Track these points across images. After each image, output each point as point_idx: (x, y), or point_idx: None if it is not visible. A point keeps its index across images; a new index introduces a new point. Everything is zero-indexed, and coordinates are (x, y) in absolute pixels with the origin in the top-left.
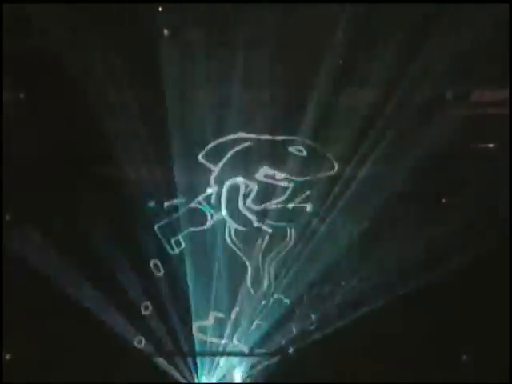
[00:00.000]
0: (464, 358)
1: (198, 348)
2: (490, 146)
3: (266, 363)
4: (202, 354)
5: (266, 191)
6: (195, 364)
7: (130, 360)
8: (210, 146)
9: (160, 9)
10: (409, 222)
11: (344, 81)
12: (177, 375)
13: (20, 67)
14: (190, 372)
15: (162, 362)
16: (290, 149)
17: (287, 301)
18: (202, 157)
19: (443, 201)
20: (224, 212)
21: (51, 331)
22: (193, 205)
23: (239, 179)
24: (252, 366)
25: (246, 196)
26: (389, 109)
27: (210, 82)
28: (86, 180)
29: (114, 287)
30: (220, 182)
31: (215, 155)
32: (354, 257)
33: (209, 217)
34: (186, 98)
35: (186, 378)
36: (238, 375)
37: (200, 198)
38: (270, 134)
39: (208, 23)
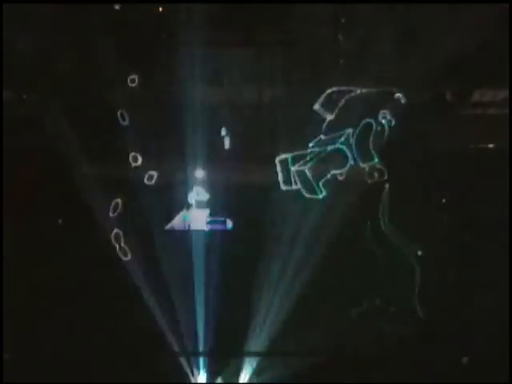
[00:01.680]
0: (465, 359)
1: (205, 348)
2: (490, 146)
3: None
4: (208, 354)
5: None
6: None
7: (130, 359)
8: (323, 95)
9: (160, 9)
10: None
11: (343, 80)
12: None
13: (20, 67)
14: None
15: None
16: (396, 96)
17: None
18: (319, 105)
19: (443, 201)
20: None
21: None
22: (330, 147)
23: (369, 120)
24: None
25: (375, 135)
26: (389, 108)
27: None
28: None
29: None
30: (343, 127)
31: (328, 104)
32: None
33: (350, 159)
34: None
35: (188, 377)
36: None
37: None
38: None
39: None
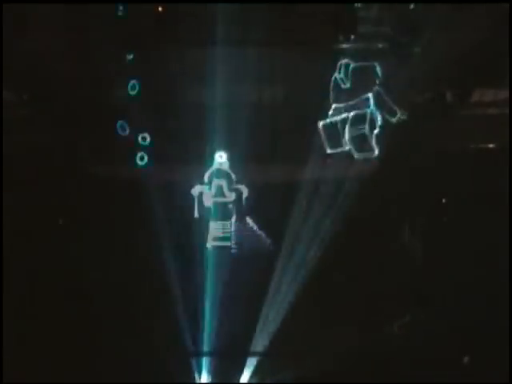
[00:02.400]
0: (466, 359)
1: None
2: (490, 146)
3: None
4: (205, 354)
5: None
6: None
7: (132, 360)
8: (340, 64)
9: (160, 9)
10: (409, 221)
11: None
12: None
13: (20, 67)
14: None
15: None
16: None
17: None
18: (342, 74)
19: (443, 201)
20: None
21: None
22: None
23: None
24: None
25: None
26: (390, 108)
27: None
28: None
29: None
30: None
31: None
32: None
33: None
34: None
35: (186, 377)
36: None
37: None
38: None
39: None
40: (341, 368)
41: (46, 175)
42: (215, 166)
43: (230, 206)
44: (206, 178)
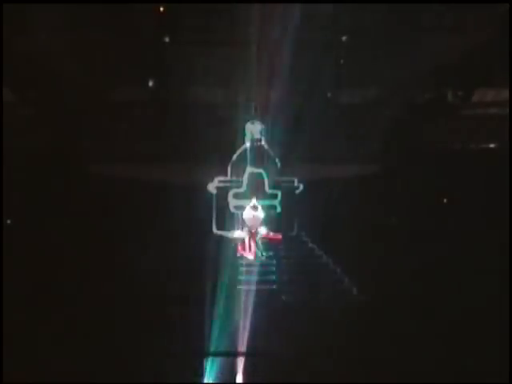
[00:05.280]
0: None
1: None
2: (490, 146)
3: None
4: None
5: None
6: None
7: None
8: None
9: (162, 9)
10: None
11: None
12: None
13: (20, 67)
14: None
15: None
16: None
17: None
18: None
19: (444, 200)
20: None
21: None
22: None
23: None
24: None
25: None
26: (390, 108)
27: None
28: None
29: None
30: None
31: None
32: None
33: None
34: None
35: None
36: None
37: None
38: None
39: None
40: (340, 368)
41: (46, 175)
42: (247, 143)
43: (273, 211)
44: (230, 166)
